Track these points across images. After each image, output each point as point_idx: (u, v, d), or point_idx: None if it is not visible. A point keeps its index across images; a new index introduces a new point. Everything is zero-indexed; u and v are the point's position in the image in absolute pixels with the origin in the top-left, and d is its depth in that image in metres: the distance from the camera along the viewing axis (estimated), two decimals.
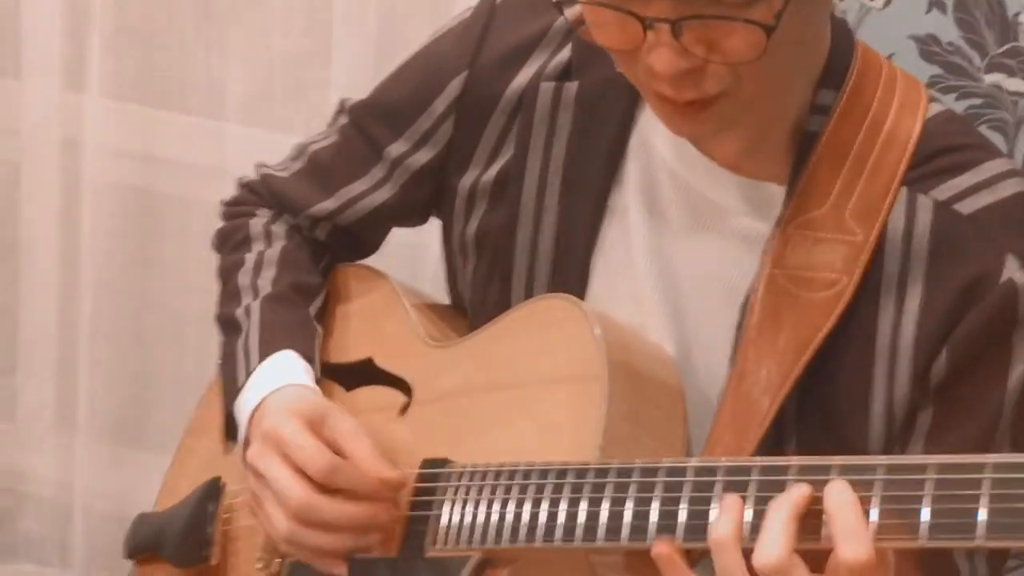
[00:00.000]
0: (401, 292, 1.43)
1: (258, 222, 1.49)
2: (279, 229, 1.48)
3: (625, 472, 1.14)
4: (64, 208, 2.16)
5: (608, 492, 1.14)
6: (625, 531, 1.13)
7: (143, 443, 2.17)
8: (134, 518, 1.50)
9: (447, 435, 1.29)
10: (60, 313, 2.19)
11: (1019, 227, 1.23)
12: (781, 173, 1.27)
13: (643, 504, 1.12)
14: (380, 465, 1.26)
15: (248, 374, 1.36)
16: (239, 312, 1.42)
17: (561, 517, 1.16)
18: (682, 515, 1.11)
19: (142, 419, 2.19)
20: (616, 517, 1.13)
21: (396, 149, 1.41)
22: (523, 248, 1.35)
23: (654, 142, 1.31)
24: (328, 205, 1.46)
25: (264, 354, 1.36)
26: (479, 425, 1.28)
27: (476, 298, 1.39)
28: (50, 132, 2.15)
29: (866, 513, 1.04)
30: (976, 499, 0.99)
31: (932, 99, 1.29)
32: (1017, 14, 1.71)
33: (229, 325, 1.43)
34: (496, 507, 1.20)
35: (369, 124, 1.43)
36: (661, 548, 1.10)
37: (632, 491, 1.13)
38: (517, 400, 1.26)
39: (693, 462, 1.12)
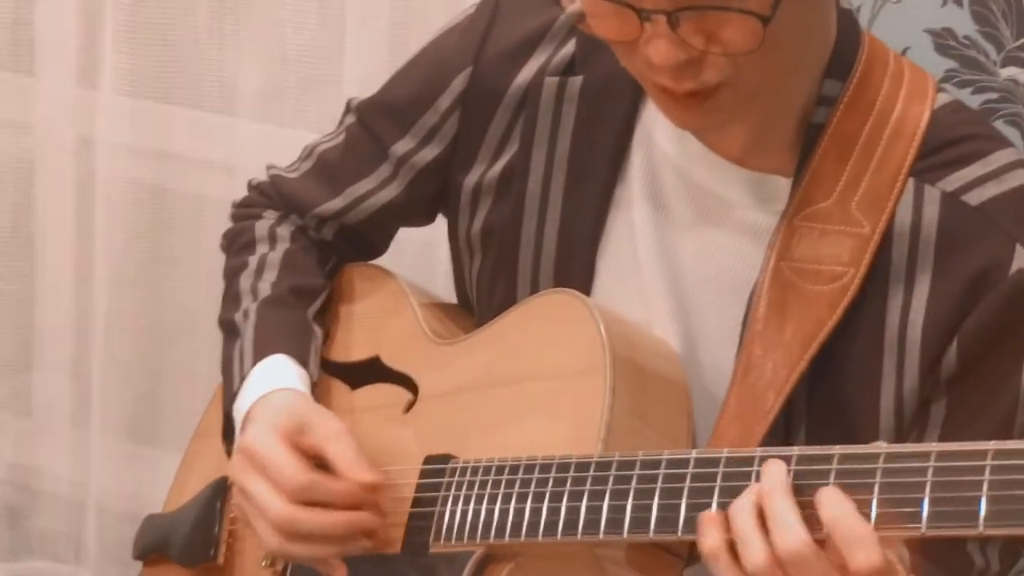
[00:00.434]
0: (408, 291, 1.43)
1: (264, 224, 1.49)
2: (284, 231, 1.48)
3: (627, 465, 1.14)
4: (78, 204, 2.17)
5: (610, 485, 1.14)
6: (627, 524, 1.12)
7: (158, 440, 2.18)
8: (143, 520, 1.50)
9: (452, 431, 1.29)
10: (75, 310, 2.19)
11: None
12: (786, 165, 1.26)
13: (645, 497, 1.12)
14: (359, 468, 1.26)
15: (242, 379, 1.36)
16: (238, 316, 1.42)
17: (563, 511, 1.16)
18: (683, 508, 1.10)
19: (157, 416, 2.19)
20: (618, 511, 1.13)
21: (402, 147, 1.41)
22: (528, 244, 1.34)
23: (657, 137, 1.31)
24: (335, 204, 1.46)
25: (257, 358, 1.37)
26: (483, 420, 1.27)
27: (482, 295, 1.39)
28: (64, 129, 2.16)
29: (867, 510, 1.03)
30: (979, 486, 0.98)
31: (940, 90, 1.28)
32: None
33: (229, 329, 1.43)
34: (498, 502, 1.20)
35: (375, 122, 1.43)
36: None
37: (634, 484, 1.13)
38: (521, 395, 1.26)
39: (694, 454, 1.12)
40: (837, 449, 1.06)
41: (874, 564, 1.02)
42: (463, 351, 1.34)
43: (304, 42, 2.05)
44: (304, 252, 1.47)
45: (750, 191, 1.27)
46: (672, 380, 1.24)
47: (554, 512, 1.16)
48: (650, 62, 1.16)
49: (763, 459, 1.08)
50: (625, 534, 1.12)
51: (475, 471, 1.23)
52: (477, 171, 1.37)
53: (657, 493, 1.11)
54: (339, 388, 1.41)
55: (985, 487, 0.99)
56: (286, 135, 1.97)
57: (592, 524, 1.14)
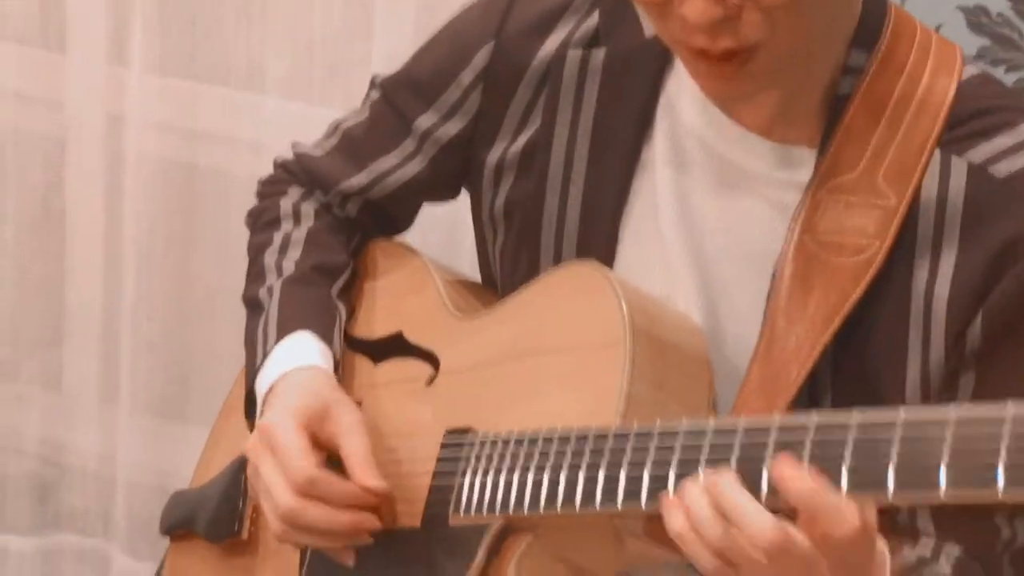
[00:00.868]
0: (432, 268, 1.43)
1: (288, 201, 1.49)
2: (308, 208, 1.48)
3: (644, 436, 1.13)
4: (108, 182, 2.18)
5: (627, 457, 1.13)
6: (644, 495, 1.11)
7: (186, 416, 2.19)
8: (170, 496, 1.51)
9: (472, 405, 1.29)
10: (104, 286, 2.20)
11: None
12: (812, 137, 1.25)
13: (662, 468, 1.11)
14: (366, 471, 1.27)
15: (265, 355, 1.37)
16: (262, 292, 1.43)
17: (580, 482, 1.15)
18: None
19: (185, 392, 2.20)
20: (635, 482, 1.12)
21: (425, 121, 1.41)
22: (550, 218, 1.34)
23: (681, 108, 1.30)
24: (359, 180, 1.45)
25: (280, 335, 1.37)
26: (504, 393, 1.27)
27: (505, 271, 1.39)
28: (94, 107, 2.17)
29: (884, 477, 1.02)
30: (996, 453, 0.97)
31: (967, 61, 1.27)
32: None
33: (253, 305, 1.43)
34: (516, 475, 1.19)
35: (398, 98, 1.43)
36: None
37: (651, 455, 1.12)
38: (541, 368, 1.25)
39: (711, 424, 1.11)
40: (855, 416, 1.05)
41: (856, 526, 1.03)
42: (484, 325, 1.33)
43: (332, 22, 2.05)
44: (328, 230, 1.47)
45: (775, 163, 1.26)
46: (693, 352, 1.23)
47: (572, 484, 1.15)
48: (686, 21, 1.15)
49: (781, 427, 1.07)
50: (643, 505, 1.11)
51: (494, 444, 1.23)
52: (500, 147, 1.37)
53: (674, 464, 1.11)
54: (362, 363, 1.41)
55: (1003, 454, 0.97)
56: (314, 114, 1.97)
57: (610, 495, 1.13)
